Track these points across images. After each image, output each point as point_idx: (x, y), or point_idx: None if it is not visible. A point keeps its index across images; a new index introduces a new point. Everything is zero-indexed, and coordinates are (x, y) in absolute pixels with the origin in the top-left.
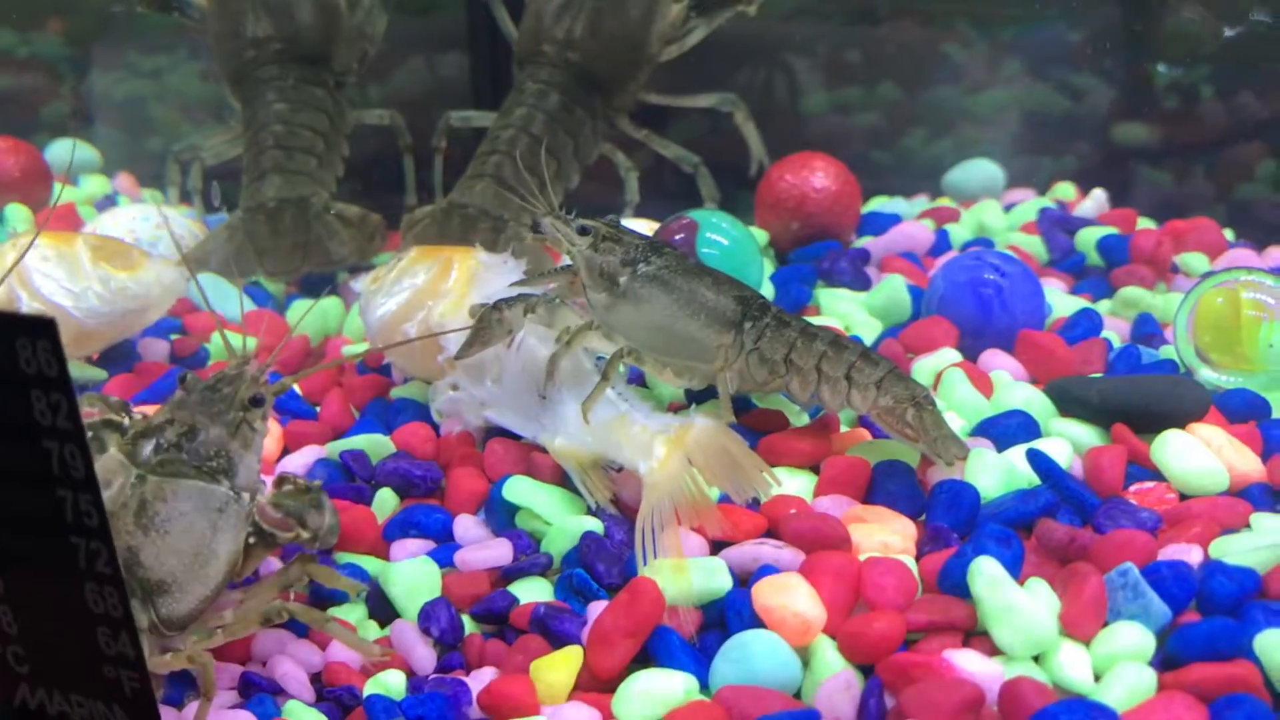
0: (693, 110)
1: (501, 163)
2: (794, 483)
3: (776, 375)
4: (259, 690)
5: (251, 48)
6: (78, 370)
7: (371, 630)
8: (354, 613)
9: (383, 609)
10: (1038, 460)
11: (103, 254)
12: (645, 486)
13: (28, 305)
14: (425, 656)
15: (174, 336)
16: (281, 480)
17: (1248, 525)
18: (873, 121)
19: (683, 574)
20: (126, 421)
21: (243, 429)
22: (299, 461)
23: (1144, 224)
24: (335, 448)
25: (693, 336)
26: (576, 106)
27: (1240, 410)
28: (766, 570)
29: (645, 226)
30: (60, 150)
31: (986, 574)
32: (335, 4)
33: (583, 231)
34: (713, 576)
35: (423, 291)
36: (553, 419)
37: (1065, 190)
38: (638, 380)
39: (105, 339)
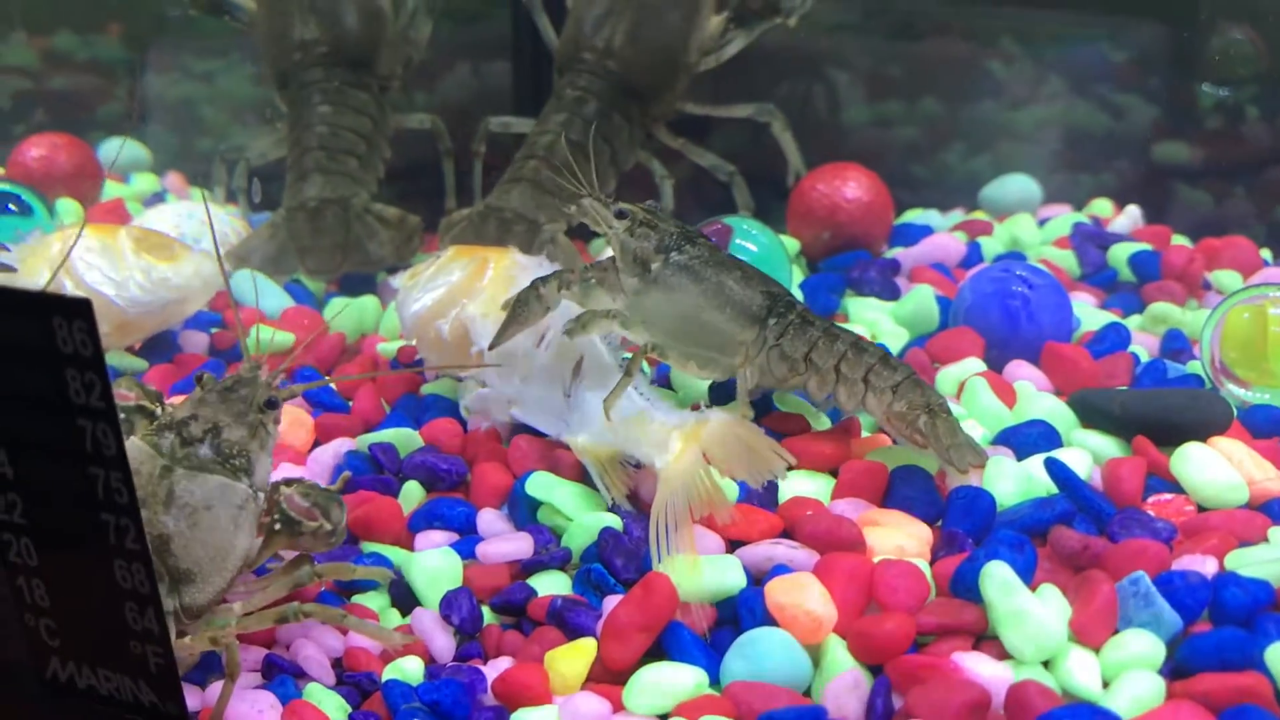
0: (732, 120)
1: (539, 167)
2: (812, 485)
3: (796, 373)
4: (281, 672)
5: (298, 50)
6: (118, 359)
7: (393, 618)
8: (377, 601)
9: (405, 598)
10: (1055, 469)
11: (145, 245)
12: (660, 479)
13: (73, 293)
14: (444, 645)
15: (214, 330)
16: (288, 482)
17: (1266, 539)
18: (913, 136)
19: (695, 568)
20: (159, 411)
21: (259, 431)
22: (329, 452)
23: (1179, 241)
24: (365, 440)
25: (717, 328)
26: (614, 113)
27: (1264, 426)
28: (780, 569)
29: None
30: (113, 148)
31: (998, 578)
32: (380, 9)
33: (620, 215)
34: (727, 574)
35: (457, 289)
36: (576, 416)
37: (1102, 207)
38: (663, 379)
39: (146, 329)
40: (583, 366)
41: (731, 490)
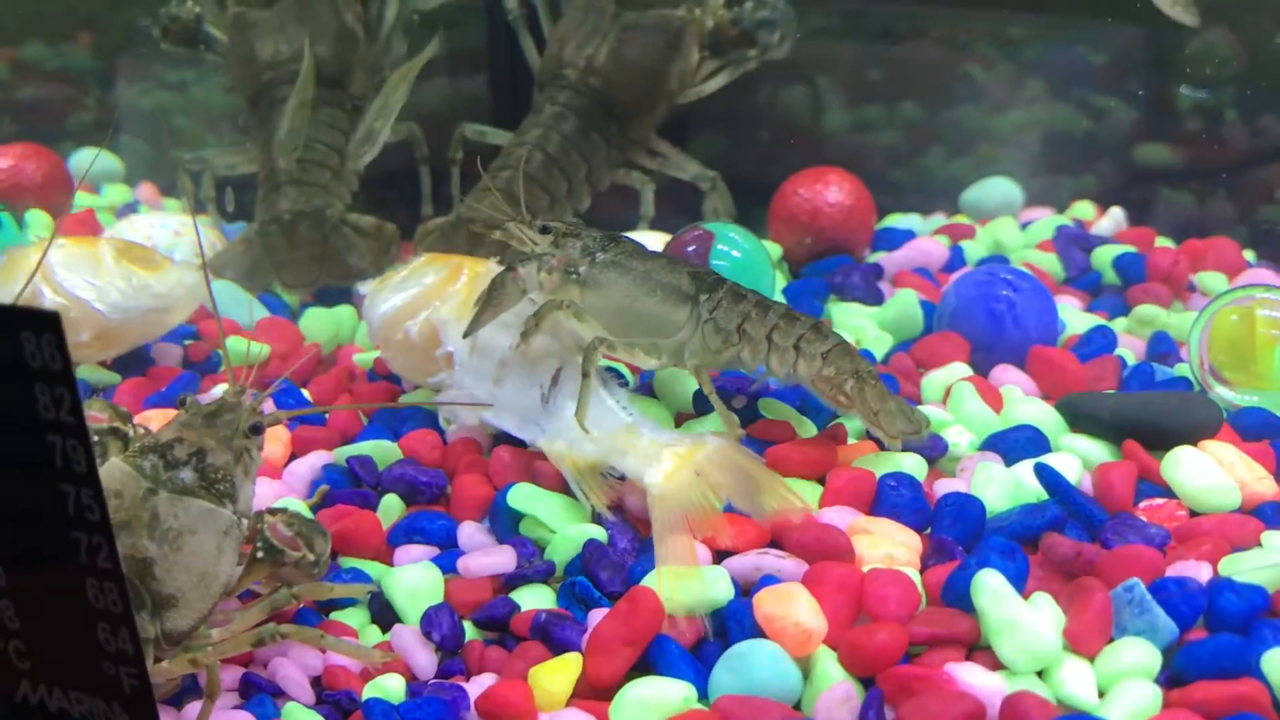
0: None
1: (513, 178)
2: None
3: (730, 345)
4: (259, 691)
5: (269, 69)
6: (90, 373)
7: (373, 635)
8: (356, 618)
9: (385, 614)
10: (1045, 475)
11: (127, 255)
12: (652, 498)
13: (51, 300)
14: (426, 662)
15: (188, 342)
16: (273, 511)
17: (1259, 543)
18: (893, 140)
19: (697, 581)
20: (130, 431)
21: (244, 456)
22: (306, 466)
23: (1162, 243)
24: (343, 453)
25: (652, 312)
26: (593, 131)
27: (1254, 428)
28: (768, 580)
29: (658, 240)
30: (84, 159)
31: (990, 587)
32: (352, 31)
33: (544, 231)
34: (714, 585)
35: (429, 291)
36: (553, 423)
37: (1084, 209)
38: (646, 389)
39: (128, 339)
40: (561, 375)
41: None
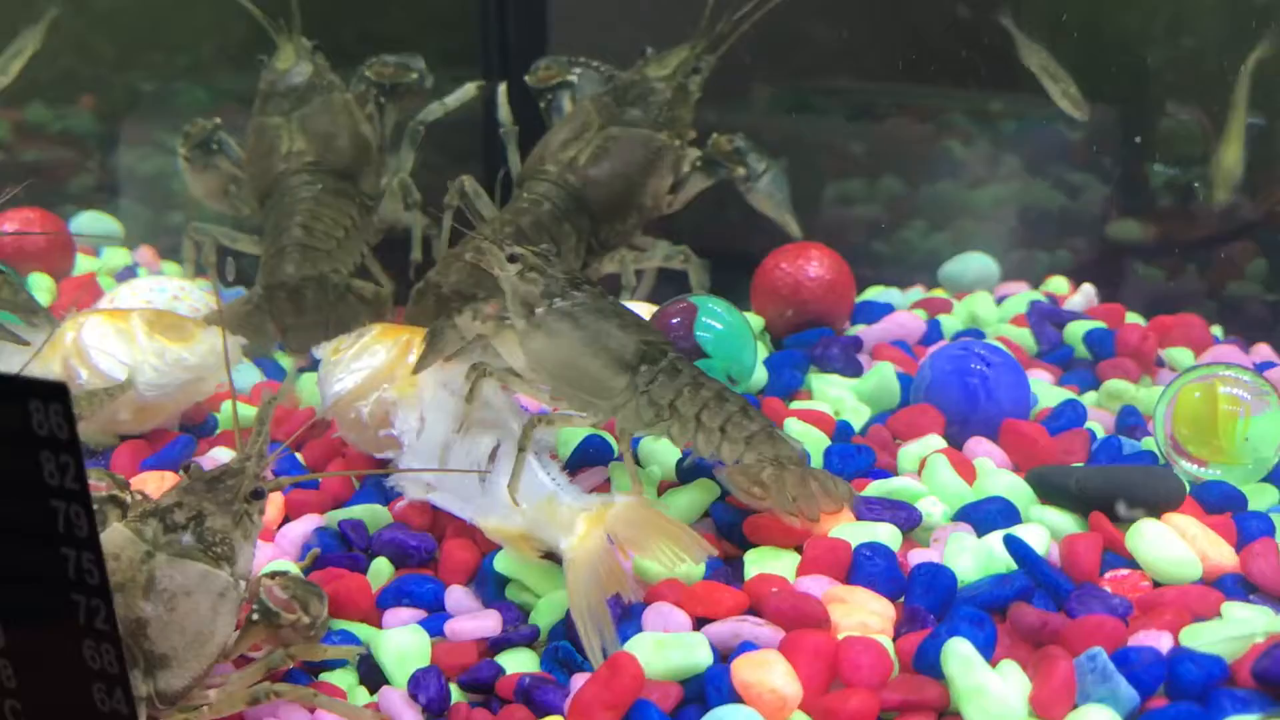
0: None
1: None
2: (777, 563)
3: (661, 419)
4: None
5: (283, 162)
6: (87, 435)
7: (361, 696)
8: (345, 679)
9: (373, 676)
10: (1014, 545)
11: (158, 327)
12: (565, 564)
13: (87, 381)
14: None
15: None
16: (272, 575)
17: (1219, 614)
18: (873, 214)
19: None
20: (128, 498)
21: (244, 520)
22: (299, 530)
23: (1132, 319)
24: (334, 517)
25: (593, 374)
26: (566, 221)
27: (1216, 501)
28: (746, 646)
29: (646, 310)
30: (85, 222)
31: (959, 655)
32: (364, 136)
33: (511, 259)
34: (694, 651)
35: (380, 373)
36: (487, 500)
37: (1058, 284)
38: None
39: (166, 411)
40: (499, 453)
41: (653, 569)
